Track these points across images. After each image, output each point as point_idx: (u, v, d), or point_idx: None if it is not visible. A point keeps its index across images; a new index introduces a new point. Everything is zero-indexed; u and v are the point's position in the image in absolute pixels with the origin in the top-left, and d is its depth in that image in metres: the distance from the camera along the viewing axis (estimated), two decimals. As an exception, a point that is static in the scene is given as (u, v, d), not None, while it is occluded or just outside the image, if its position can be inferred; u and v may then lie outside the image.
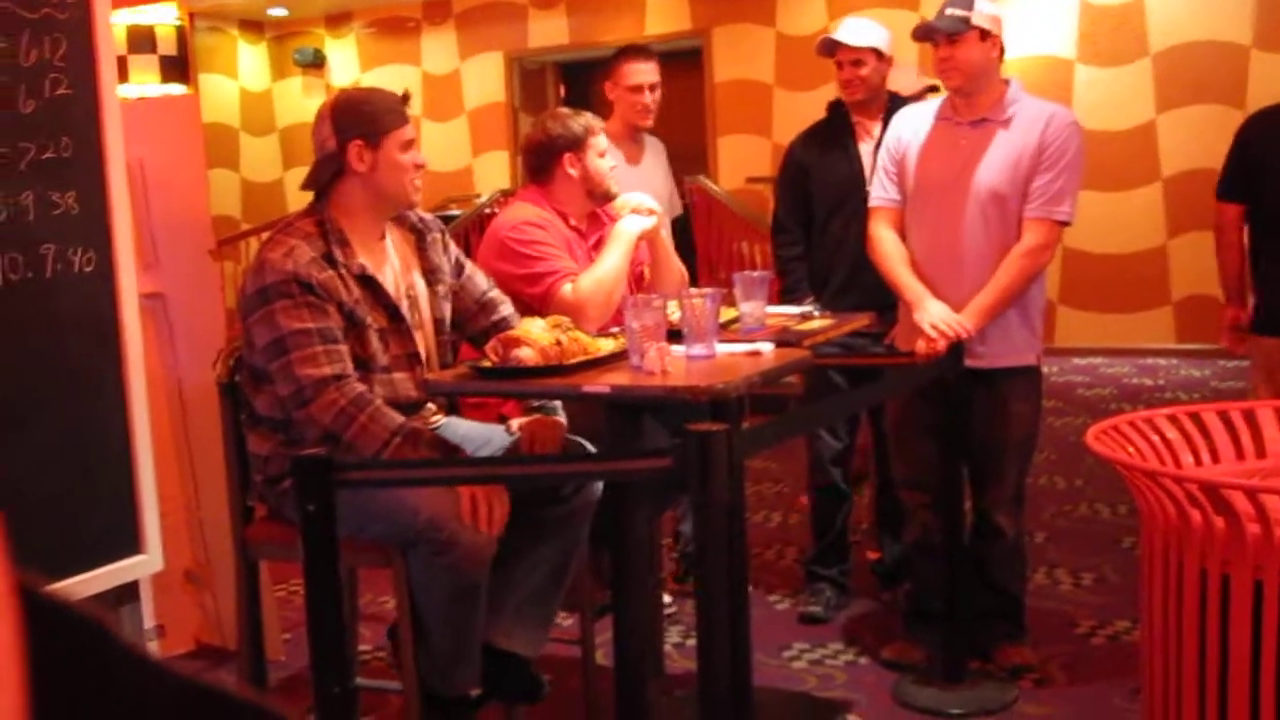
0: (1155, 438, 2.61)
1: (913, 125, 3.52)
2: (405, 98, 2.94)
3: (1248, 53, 8.45)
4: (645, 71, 4.21)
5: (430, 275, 2.99)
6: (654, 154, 4.41)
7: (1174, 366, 8.42)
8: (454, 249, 3.11)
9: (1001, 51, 3.42)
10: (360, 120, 2.82)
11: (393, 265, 2.92)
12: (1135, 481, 2.41)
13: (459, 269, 3.09)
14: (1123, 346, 8.83)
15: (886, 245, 3.51)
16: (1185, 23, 8.77)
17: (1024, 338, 3.43)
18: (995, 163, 3.35)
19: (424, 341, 2.93)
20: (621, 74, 4.23)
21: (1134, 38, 8.95)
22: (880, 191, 3.57)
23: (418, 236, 3.01)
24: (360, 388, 2.71)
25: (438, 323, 2.98)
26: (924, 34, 3.42)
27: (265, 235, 10.39)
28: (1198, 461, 2.63)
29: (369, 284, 2.82)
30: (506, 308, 3.11)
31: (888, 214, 3.54)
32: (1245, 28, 8.61)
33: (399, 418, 2.71)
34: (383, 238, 2.93)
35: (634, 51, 4.31)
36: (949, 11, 3.37)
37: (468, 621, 2.74)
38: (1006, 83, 3.44)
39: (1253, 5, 8.60)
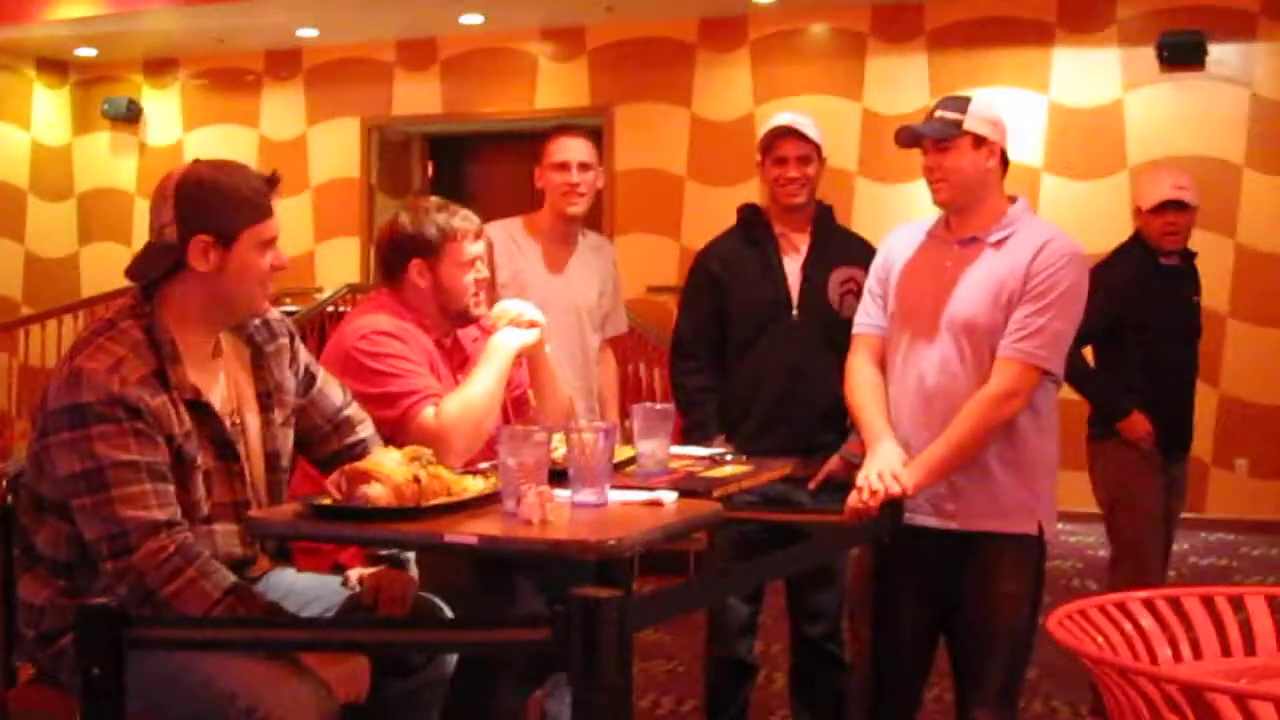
0: (1128, 626, 2.66)
1: (902, 243, 3.61)
2: (273, 181, 2.85)
3: (1240, 173, 8.83)
4: (573, 148, 4.33)
5: (265, 399, 2.92)
6: (595, 258, 4.49)
7: (1147, 537, 8.57)
8: (304, 356, 3.05)
9: (1004, 161, 3.49)
10: (212, 210, 2.74)
11: (222, 389, 2.86)
12: (1104, 678, 2.44)
13: (309, 381, 3.04)
14: (1088, 510, 8.97)
15: (857, 376, 3.58)
16: (1169, 134, 9.15)
17: (1018, 500, 3.42)
18: (974, 288, 3.41)
19: (249, 481, 2.86)
20: (547, 151, 4.33)
21: (1110, 147, 9.31)
22: (863, 317, 3.65)
23: (254, 351, 2.94)
24: (190, 537, 2.65)
25: (269, 457, 2.92)
26: (909, 139, 3.48)
27: (52, 324, 10.16)
28: (1177, 656, 2.68)
29: (200, 411, 2.76)
30: (366, 429, 3.08)
31: (869, 341, 3.61)
32: (1238, 144, 9.02)
33: (230, 575, 2.67)
34: (217, 354, 2.87)
35: (565, 128, 4.44)
36: (938, 114, 3.45)
37: None
38: (1011, 200, 3.51)
39: (1246, 117, 9.02)
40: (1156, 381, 4.98)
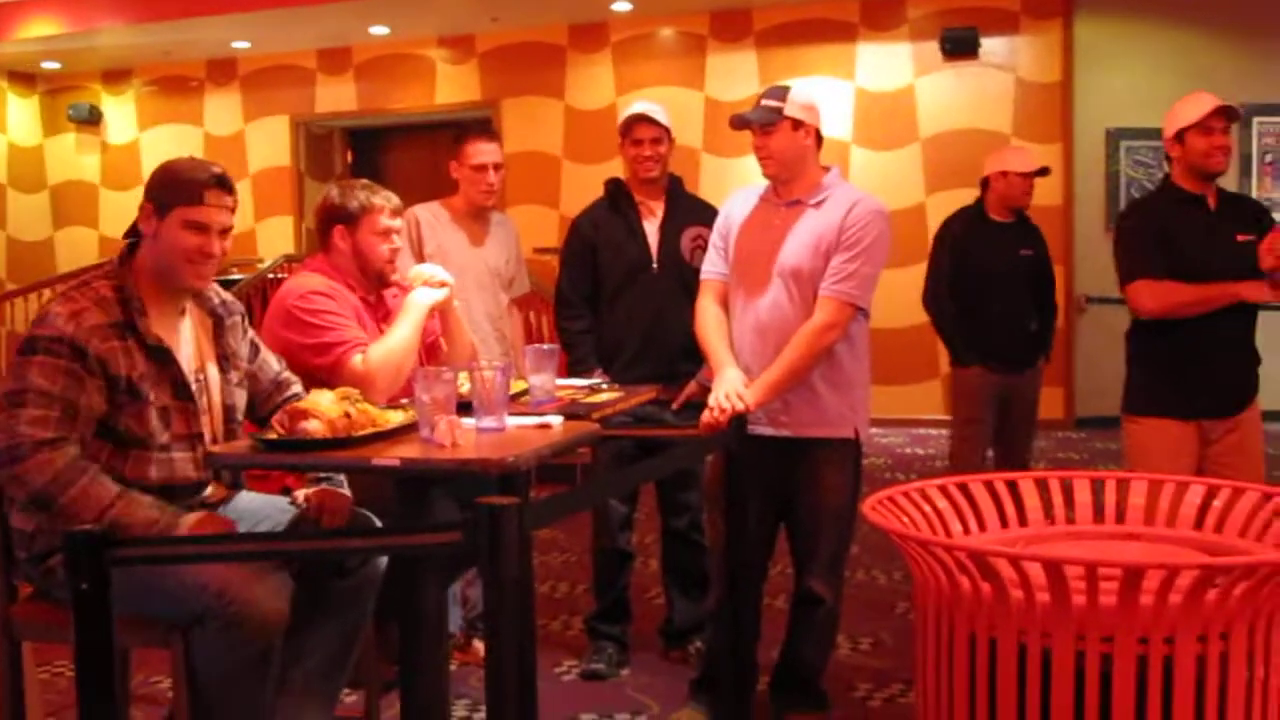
0: (927, 508, 2.72)
1: (739, 205, 3.61)
2: (222, 180, 2.77)
3: (1008, 141, 8.99)
4: (488, 151, 4.26)
5: (224, 361, 2.91)
6: (501, 233, 4.43)
7: (942, 436, 8.78)
8: (250, 332, 3.04)
9: (819, 138, 3.49)
10: (158, 185, 2.76)
11: (189, 346, 2.83)
12: (909, 550, 2.51)
13: (254, 352, 3.03)
14: (896, 417, 9.18)
15: (704, 315, 3.60)
16: (951, 111, 9.31)
17: (837, 410, 3.45)
18: (798, 241, 3.43)
19: (210, 426, 2.85)
20: (465, 154, 4.26)
21: (905, 124, 9.43)
22: (709, 266, 3.65)
23: (215, 321, 2.92)
24: (76, 451, 2.60)
25: (227, 409, 2.90)
26: (739, 124, 3.47)
27: (33, 297, 9.90)
28: (966, 530, 2.76)
29: (161, 356, 2.73)
30: (298, 387, 3.06)
31: (713, 285, 3.62)
32: (1006, 118, 9.19)
33: (115, 485, 2.63)
34: (182, 313, 2.85)
35: (478, 132, 4.37)
36: (763, 103, 3.44)
37: (257, 697, 2.63)
38: (826, 169, 3.52)
39: (1012, 97, 9.19)
40: (992, 317, 5.13)
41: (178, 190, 2.73)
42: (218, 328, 2.92)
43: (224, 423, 2.89)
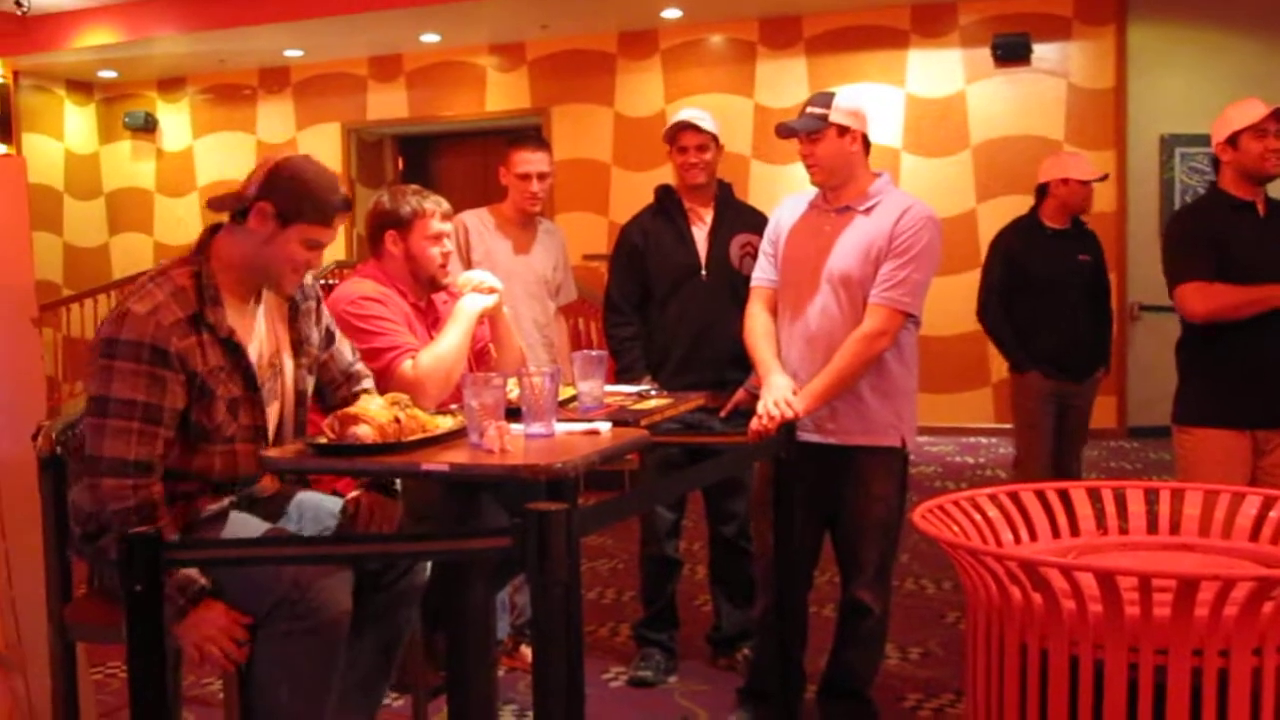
0: (978, 516, 2.71)
1: (789, 212, 3.61)
2: (347, 204, 2.76)
3: (1060, 147, 8.91)
4: (534, 160, 4.26)
5: (297, 347, 2.89)
6: (549, 240, 4.43)
7: (993, 445, 8.74)
8: (326, 317, 3.01)
9: (866, 144, 3.48)
10: (288, 192, 2.68)
11: (260, 332, 2.81)
12: (959, 559, 2.49)
13: (329, 338, 3.01)
14: (946, 425, 9.12)
15: (753, 321, 3.60)
16: (1003, 118, 9.24)
17: (884, 419, 3.44)
18: (848, 247, 3.41)
19: (281, 414, 2.84)
20: (512, 161, 4.27)
21: (956, 130, 9.38)
22: (758, 273, 3.66)
23: (291, 306, 2.89)
24: (155, 493, 2.59)
25: (298, 395, 2.89)
26: (785, 133, 3.47)
27: (88, 302, 9.95)
28: (1017, 540, 2.73)
29: (233, 349, 2.71)
30: (369, 381, 3.05)
31: (763, 293, 3.62)
32: (1058, 125, 9.11)
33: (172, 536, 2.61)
34: (258, 302, 2.82)
35: (525, 139, 4.37)
36: (808, 110, 3.43)
37: (321, 695, 2.64)
38: (876, 175, 3.51)
39: (1064, 103, 9.12)
40: (1047, 326, 5.09)
41: (310, 208, 2.69)
42: (293, 313, 2.90)
43: (294, 408, 2.88)
